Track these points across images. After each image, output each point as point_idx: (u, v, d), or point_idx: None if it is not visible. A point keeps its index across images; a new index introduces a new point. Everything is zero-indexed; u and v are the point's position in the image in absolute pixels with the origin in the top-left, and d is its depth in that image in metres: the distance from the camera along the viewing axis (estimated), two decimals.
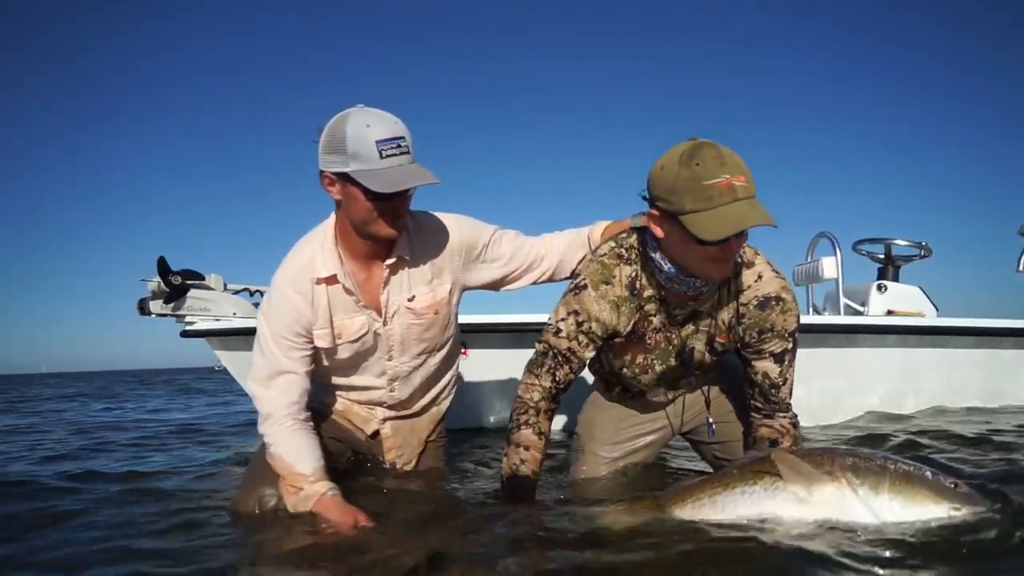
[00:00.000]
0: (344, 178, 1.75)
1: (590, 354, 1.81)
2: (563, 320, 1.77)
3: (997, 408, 3.88)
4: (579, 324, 1.75)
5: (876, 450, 1.48)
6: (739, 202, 1.45)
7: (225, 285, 4.17)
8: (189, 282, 3.98)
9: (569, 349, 1.77)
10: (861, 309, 4.16)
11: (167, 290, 3.88)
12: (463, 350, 3.53)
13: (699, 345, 1.80)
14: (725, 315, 1.75)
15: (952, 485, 1.39)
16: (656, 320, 1.76)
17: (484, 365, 3.44)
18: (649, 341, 1.80)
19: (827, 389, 3.70)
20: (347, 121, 1.73)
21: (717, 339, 1.78)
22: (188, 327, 3.95)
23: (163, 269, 3.86)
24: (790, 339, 1.74)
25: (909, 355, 3.80)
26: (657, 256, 1.65)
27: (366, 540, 1.58)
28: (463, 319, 3.45)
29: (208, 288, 4.07)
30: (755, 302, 1.70)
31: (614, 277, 1.73)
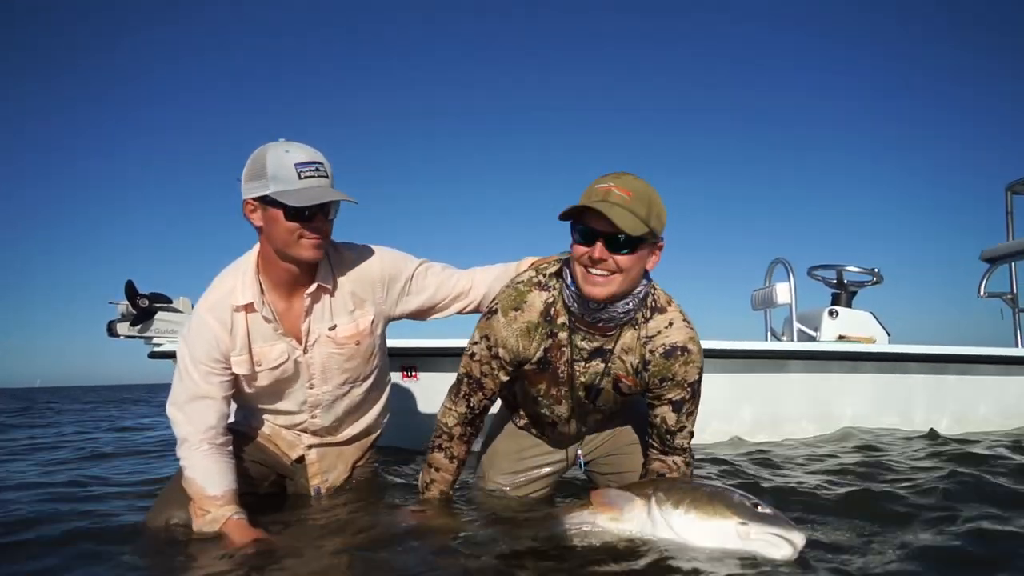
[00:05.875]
0: (265, 201, 1.87)
1: (504, 378, 1.88)
2: (476, 344, 1.87)
3: (954, 434, 3.93)
4: (490, 349, 1.83)
5: (718, 483, 1.67)
6: (605, 203, 1.59)
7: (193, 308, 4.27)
8: (157, 305, 4.10)
9: (482, 373, 1.87)
10: (814, 334, 4.23)
11: (135, 312, 4.00)
12: (414, 373, 3.62)
13: (605, 383, 1.86)
14: (632, 359, 1.80)
15: (752, 505, 1.54)
16: (567, 351, 1.83)
17: (435, 388, 3.52)
18: (561, 374, 1.86)
19: (770, 413, 3.77)
20: (267, 150, 1.87)
21: (623, 380, 1.84)
22: (156, 348, 4.05)
23: (131, 292, 3.97)
24: (689, 389, 1.79)
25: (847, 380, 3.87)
26: (568, 277, 1.74)
27: (267, 563, 1.65)
28: (414, 343, 3.55)
29: (176, 311, 4.17)
30: (661, 350, 1.76)
31: (525, 303, 1.80)
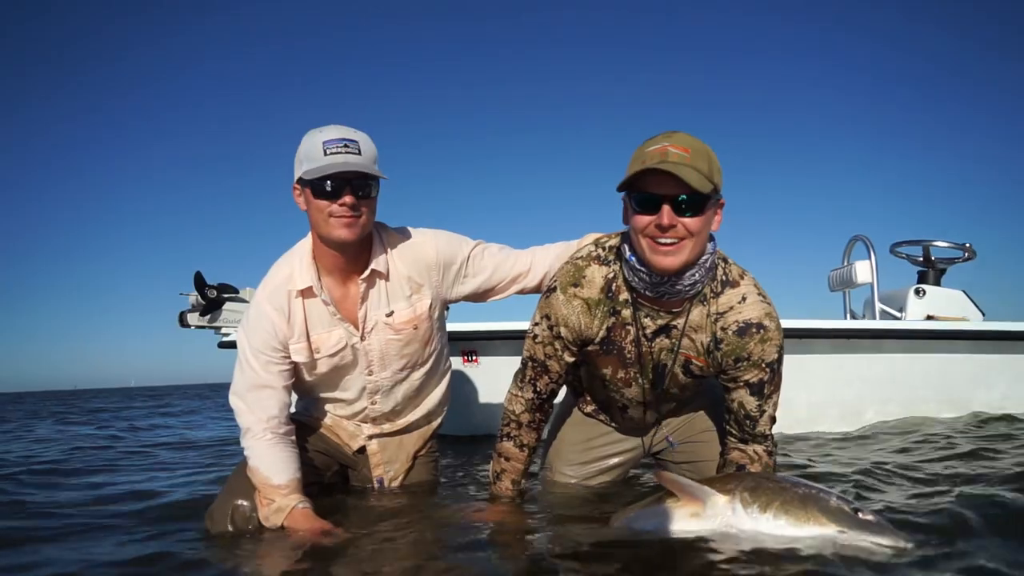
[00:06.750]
0: (300, 183, 1.86)
1: (569, 359, 1.78)
2: (538, 325, 1.78)
3: None
4: (551, 328, 1.74)
5: (806, 481, 1.49)
6: (668, 163, 1.47)
7: None
8: (225, 295, 4.20)
9: (546, 356, 1.78)
10: (898, 315, 3.96)
11: (204, 303, 4.11)
12: (474, 358, 3.58)
13: (672, 364, 1.75)
14: (703, 337, 1.68)
15: (852, 511, 1.37)
16: (632, 330, 1.72)
17: (496, 373, 3.47)
18: (628, 354, 1.75)
19: (850, 396, 3.55)
20: (308, 134, 1.86)
21: (694, 361, 1.72)
22: (224, 339, 4.15)
23: (200, 283, 4.09)
24: (768, 370, 1.65)
25: (947, 361, 3.60)
26: (627, 252, 1.64)
27: (333, 554, 1.62)
28: (474, 327, 3.49)
29: (243, 301, 4.27)
30: (735, 327, 1.63)
31: (584, 278, 1.71)
